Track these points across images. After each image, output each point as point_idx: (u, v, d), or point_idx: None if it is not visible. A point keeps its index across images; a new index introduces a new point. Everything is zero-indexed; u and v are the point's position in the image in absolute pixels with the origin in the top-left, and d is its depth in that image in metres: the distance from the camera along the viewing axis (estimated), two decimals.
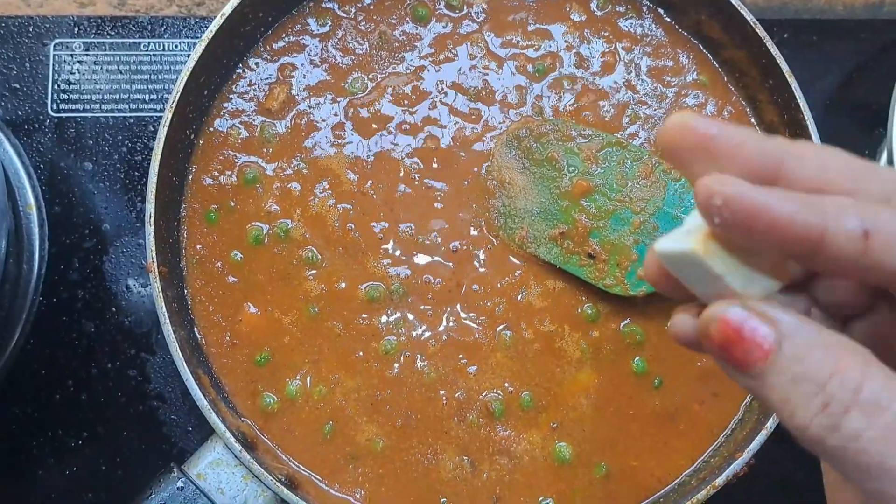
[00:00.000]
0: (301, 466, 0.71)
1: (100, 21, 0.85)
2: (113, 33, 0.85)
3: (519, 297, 0.74)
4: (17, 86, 0.83)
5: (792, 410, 0.31)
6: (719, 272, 0.33)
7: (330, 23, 0.78)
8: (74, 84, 0.84)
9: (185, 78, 0.71)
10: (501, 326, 0.74)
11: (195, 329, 0.73)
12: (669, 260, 0.36)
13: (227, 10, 0.72)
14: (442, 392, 0.72)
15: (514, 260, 0.75)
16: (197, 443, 0.73)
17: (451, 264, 0.74)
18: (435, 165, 0.76)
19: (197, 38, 0.83)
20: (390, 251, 0.74)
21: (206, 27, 0.72)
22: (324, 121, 0.77)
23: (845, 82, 0.89)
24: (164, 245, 0.71)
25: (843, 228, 0.31)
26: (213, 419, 0.67)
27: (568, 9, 0.80)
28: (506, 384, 0.73)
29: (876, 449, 0.29)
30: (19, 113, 0.83)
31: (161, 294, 0.68)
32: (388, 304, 0.74)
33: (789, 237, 0.31)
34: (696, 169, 0.34)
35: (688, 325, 0.36)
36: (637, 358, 0.74)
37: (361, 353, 0.73)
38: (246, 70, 0.77)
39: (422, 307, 0.74)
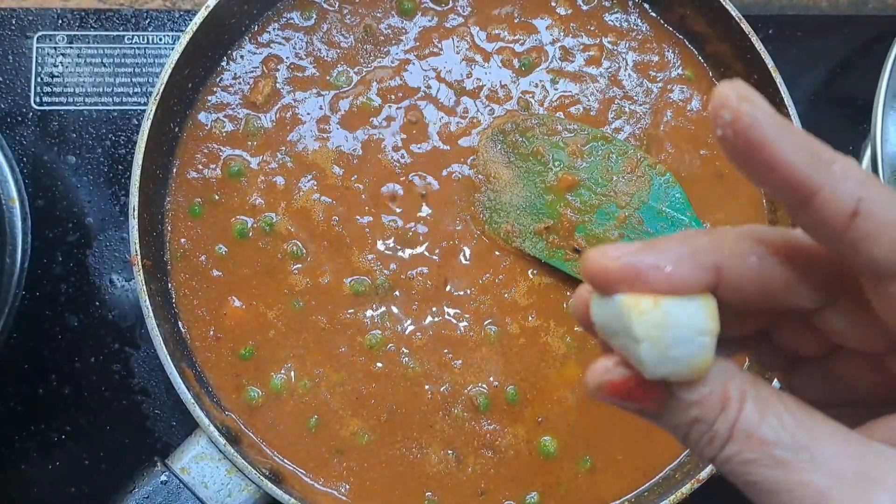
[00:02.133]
0: (285, 460, 0.71)
1: (83, 14, 0.84)
2: (97, 26, 0.84)
3: (504, 292, 0.74)
4: (0, 79, 0.83)
5: (692, 445, 0.34)
6: (639, 335, 0.32)
7: (315, 16, 0.78)
8: (58, 77, 0.83)
9: (170, 71, 0.71)
10: (487, 321, 0.74)
11: (179, 323, 0.73)
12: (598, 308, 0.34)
13: (212, 2, 0.72)
14: (427, 386, 0.72)
15: (499, 254, 0.75)
16: (181, 437, 0.73)
17: (436, 258, 0.74)
18: (420, 159, 0.76)
19: (181, 30, 0.82)
20: (376, 245, 0.74)
21: (191, 20, 0.72)
22: (309, 114, 0.76)
23: (830, 78, 0.90)
24: (148, 239, 0.71)
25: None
26: (198, 413, 0.66)
27: (554, 3, 0.80)
28: (491, 378, 0.73)
29: (754, 471, 0.32)
30: (2, 106, 0.82)
31: (145, 288, 0.67)
32: (373, 299, 0.74)
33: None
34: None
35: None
36: None
37: (346, 348, 0.73)
38: (230, 63, 0.77)
39: (407, 302, 0.74)
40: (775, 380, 0.68)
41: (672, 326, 0.32)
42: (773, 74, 0.74)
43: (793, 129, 0.30)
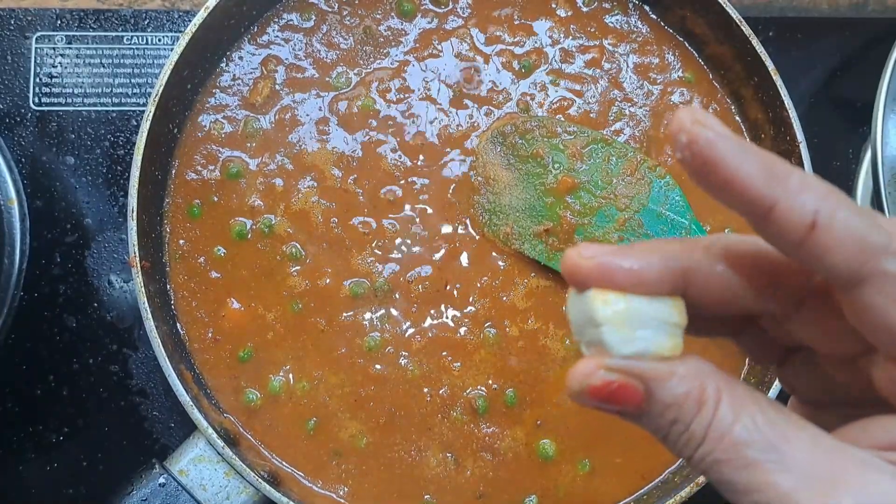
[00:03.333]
0: (284, 463, 0.71)
1: (82, 14, 0.84)
2: (95, 26, 0.84)
3: (503, 295, 0.74)
4: None
5: (671, 446, 0.35)
6: (601, 320, 0.34)
7: (314, 17, 0.78)
8: (56, 77, 0.83)
9: (169, 72, 0.70)
10: (486, 324, 0.73)
11: (178, 324, 0.73)
12: (572, 306, 0.36)
13: (211, 3, 0.72)
14: (426, 389, 0.72)
15: (498, 257, 0.75)
16: (179, 439, 0.73)
17: (435, 261, 0.74)
18: (420, 161, 0.76)
19: (180, 31, 0.82)
20: (375, 248, 0.74)
21: (190, 21, 0.72)
22: (308, 116, 0.76)
23: (830, 80, 0.90)
24: (147, 240, 0.71)
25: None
26: (196, 415, 0.66)
27: (554, 5, 0.80)
28: (490, 381, 0.73)
29: (726, 471, 0.33)
30: (0, 106, 0.82)
31: (143, 289, 0.67)
32: (372, 301, 0.73)
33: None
34: None
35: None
36: None
37: (345, 350, 0.72)
38: (230, 64, 0.77)
39: (406, 304, 0.73)
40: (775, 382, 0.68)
41: (635, 316, 0.34)
42: (774, 76, 0.74)
43: (747, 147, 0.31)
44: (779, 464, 0.32)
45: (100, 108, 0.83)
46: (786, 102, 0.74)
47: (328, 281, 0.73)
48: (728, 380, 0.34)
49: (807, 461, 0.32)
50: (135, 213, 0.68)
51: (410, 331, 0.73)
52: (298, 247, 0.74)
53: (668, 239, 0.35)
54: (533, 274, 0.74)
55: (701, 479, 0.67)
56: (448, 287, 0.74)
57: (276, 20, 0.78)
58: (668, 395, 0.34)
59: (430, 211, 0.75)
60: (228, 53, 0.77)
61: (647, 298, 0.34)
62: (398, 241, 0.74)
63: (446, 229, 0.75)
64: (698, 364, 0.35)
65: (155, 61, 0.84)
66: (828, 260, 0.31)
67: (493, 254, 0.75)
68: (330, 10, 0.78)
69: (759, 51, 0.74)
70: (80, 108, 0.83)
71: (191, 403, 0.66)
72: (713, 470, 0.33)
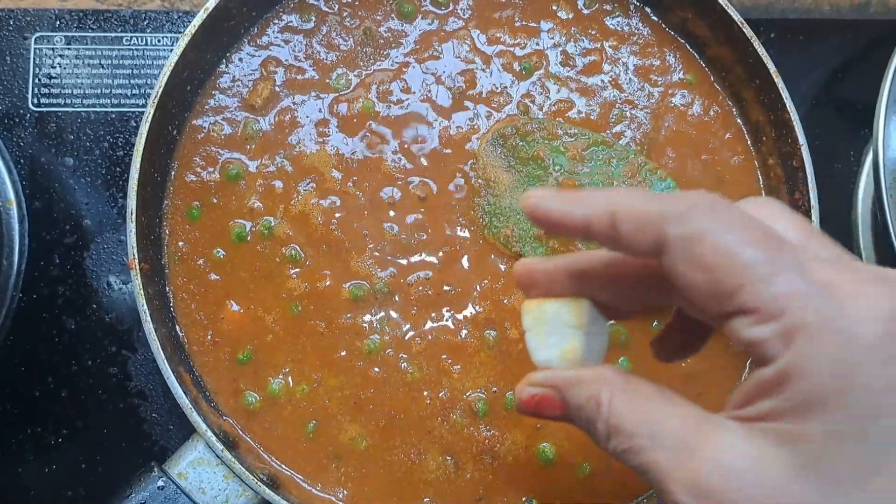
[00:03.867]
0: (283, 466, 0.71)
1: (81, 15, 0.84)
2: (95, 27, 0.84)
3: (503, 298, 0.74)
4: None
5: (596, 442, 0.44)
6: (525, 327, 0.48)
7: (314, 18, 0.78)
8: (55, 78, 0.83)
9: (168, 73, 0.70)
10: (486, 326, 0.73)
11: (177, 327, 0.73)
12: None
13: (211, 4, 0.71)
14: (426, 392, 0.72)
15: (499, 259, 0.75)
16: (178, 441, 0.73)
17: (436, 263, 0.74)
18: (420, 163, 0.76)
19: (180, 32, 0.82)
20: (375, 250, 0.74)
21: (190, 22, 0.71)
22: (308, 117, 0.76)
23: (831, 82, 0.89)
24: (146, 242, 0.71)
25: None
26: (195, 418, 0.66)
27: (555, 7, 0.80)
28: (490, 384, 0.72)
29: (629, 457, 0.41)
30: None
31: (142, 291, 0.67)
32: (372, 303, 0.73)
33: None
34: None
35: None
36: (621, 358, 0.74)
37: (345, 352, 0.72)
38: (229, 65, 0.77)
39: (406, 306, 0.73)
40: None
41: (548, 321, 0.46)
42: (775, 78, 0.74)
43: (565, 197, 0.43)
44: (659, 445, 0.40)
45: (99, 109, 0.83)
46: (787, 104, 0.73)
47: (328, 283, 0.73)
48: (625, 380, 0.43)
49: (677, 437, 0.40)
50: (134, 215, 0.68)
51: (410, 333, 0.73)
52: (298, 249, 0.74)
53: (577, 254, 0.49)
54: None
55: None
56: (448, 289, 0.74)
57: (276, 21, 0.77)
58: (576, 399, 0.44)
59: (430, 213, 0.75)
60: (228, 55, 0.77)
61: (556, 304, 0.46)
62: (398, 243, 0.74)
63: (446, 232, 0.75)
64: (601, 370, 0.44)
65: (154, 62, 0.84)
66: (633, 245, 0.41)
67: (494, 256, 0.75)
68: (330, 11, 0.78)
69: (760, 52, 0.74)
70: (79, 109, 0.83)
71: (190, 406, 0.66)
72: (624, 459, 0.42)
